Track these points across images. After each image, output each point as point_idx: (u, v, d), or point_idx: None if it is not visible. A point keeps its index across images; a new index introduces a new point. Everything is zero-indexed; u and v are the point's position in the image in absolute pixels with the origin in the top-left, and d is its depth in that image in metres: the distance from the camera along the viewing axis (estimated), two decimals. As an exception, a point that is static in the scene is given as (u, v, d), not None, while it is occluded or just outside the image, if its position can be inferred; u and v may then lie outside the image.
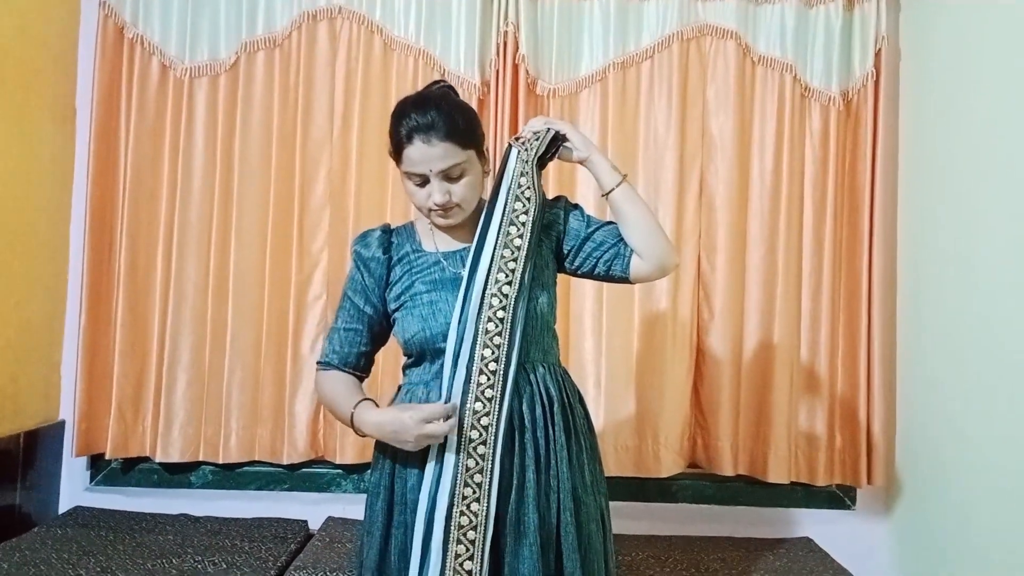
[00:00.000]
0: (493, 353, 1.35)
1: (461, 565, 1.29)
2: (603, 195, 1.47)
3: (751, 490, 2.43)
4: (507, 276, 1.38)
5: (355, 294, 1.49)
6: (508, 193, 1.43)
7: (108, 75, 2.35)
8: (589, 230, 1.50)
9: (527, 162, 1.44)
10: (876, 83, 2.38)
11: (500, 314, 1.36)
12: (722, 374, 2.37)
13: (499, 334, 1.36)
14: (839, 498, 2.44)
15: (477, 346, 1.35)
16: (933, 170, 2.25)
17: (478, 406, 1.33)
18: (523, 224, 1.41)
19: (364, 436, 1.40)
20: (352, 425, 1.40)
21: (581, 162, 1.48)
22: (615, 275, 1.48)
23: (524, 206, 1.42)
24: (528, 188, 1.43)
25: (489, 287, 1.37)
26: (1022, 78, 1.86)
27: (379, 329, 1.51)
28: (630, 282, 1.50)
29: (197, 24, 2.37)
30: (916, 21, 2.38)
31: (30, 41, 2.22)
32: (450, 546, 1.29)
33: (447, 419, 1.31)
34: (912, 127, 2.38)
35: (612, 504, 1.52)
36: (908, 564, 2.30)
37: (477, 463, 1.32)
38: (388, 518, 1.41)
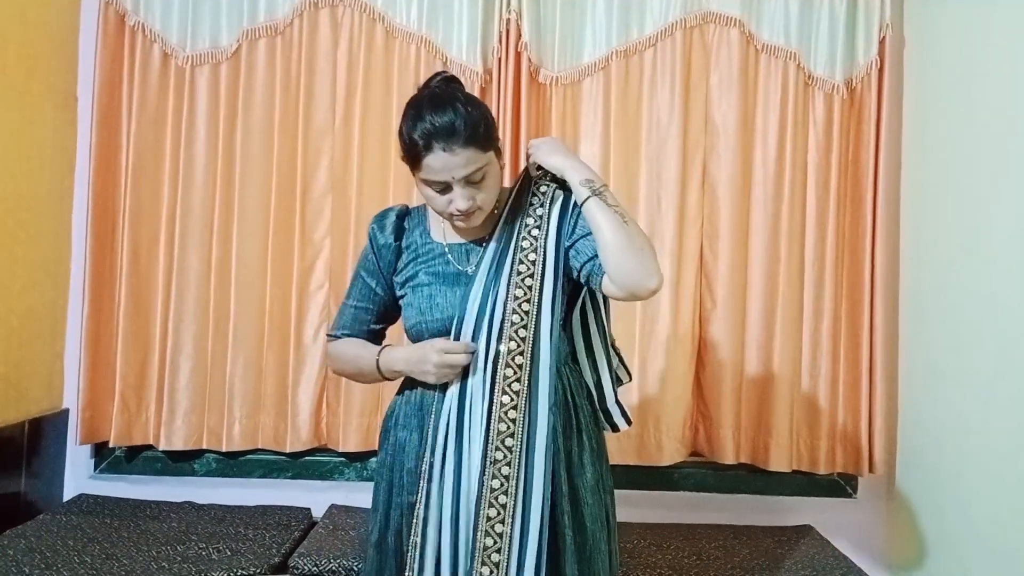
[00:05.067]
0: (515, 374, 1.33)
1: (489, 557, 1.28)
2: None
3: (752, 478, 2.43)
4: (525, 293, 1.36)
5: (367, 274, 1.51)
6: (520, 223, 1.42)
7: (109, 63, 2.34)
8: (572, 240, 1.40)
9: (543, 206, 1.43)
10: (880, 71, 2.37)
11: (522, 333, 1.34)
12: (724, 362, 2.37)
13: (521, 354, 1.33)
14: (840, 487, 2.44)
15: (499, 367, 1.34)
16: (937, 159, 2.24)
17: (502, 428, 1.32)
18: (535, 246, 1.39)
19: (390, 378, 1.47)
20: (378, 369, 1.44)
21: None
22: (593, 289, 1.41)
23: (531, 245, 1.40)
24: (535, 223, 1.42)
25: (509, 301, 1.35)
26: (1027, 66, 1.85)
27: (388, 309, 1.53)
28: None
29: (198, 12, 2.36)
30: (920, 8, 2.37)
31: (30, 24, 2.21)
32: (479, 538, 1.29)
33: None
34: (916, 116, 2.37)
35: (614, 492, 1.51)
36: (909, 552, 2.30)
37: (505, 455, 1.31)
38: (388, 499, 1.44)
